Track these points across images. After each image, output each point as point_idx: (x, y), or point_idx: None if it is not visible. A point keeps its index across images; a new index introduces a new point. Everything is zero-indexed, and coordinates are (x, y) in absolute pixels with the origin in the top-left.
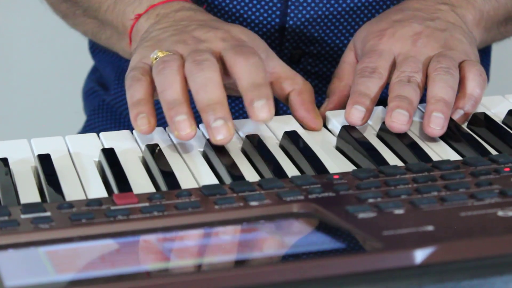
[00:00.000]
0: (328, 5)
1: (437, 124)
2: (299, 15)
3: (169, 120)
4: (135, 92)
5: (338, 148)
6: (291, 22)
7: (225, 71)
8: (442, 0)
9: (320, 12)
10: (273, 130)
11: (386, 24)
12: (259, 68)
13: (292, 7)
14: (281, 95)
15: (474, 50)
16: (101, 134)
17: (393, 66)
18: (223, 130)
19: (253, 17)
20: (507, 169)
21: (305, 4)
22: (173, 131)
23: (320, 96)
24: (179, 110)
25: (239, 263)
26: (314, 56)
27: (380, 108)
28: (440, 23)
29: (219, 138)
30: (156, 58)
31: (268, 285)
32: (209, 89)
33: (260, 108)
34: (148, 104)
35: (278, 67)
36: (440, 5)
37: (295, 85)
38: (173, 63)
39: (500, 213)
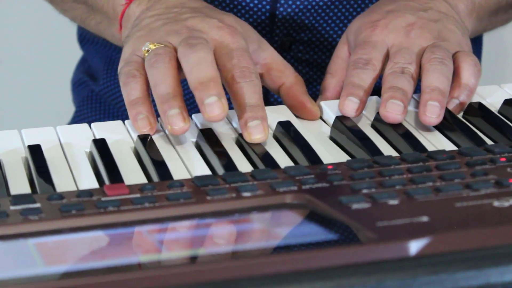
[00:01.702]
0: None
1: (433, 113)
2: (290, 2)
3: (162, 114)
4: (131, 90)
5: (332, 138)
6: (281, 9)
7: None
8: None
9: (309, 7)
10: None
11: (378, 15)
12: (255, 88)
13: None
14: (272, 87)
15: (467, 40)
16: (92, 124)
17: (387, 58)
18: (216, 107)
19: (243, 3)
20: (503, 159)
21: None
22: (166, 125)
23: (311, 84)
24: (172, 104)
25: (231, 255)
26: (305, 44)
27: (375, 98)
28: (432, 14)
29: (212, 114)
30: (148, 51)
31: (261, 277)
32: (202, 68)
33: (254, 128)
34: (146, 102)
35: (269, 58)
36: None
37: (285, 78)
38: (165, 56)
39: (496, 203)
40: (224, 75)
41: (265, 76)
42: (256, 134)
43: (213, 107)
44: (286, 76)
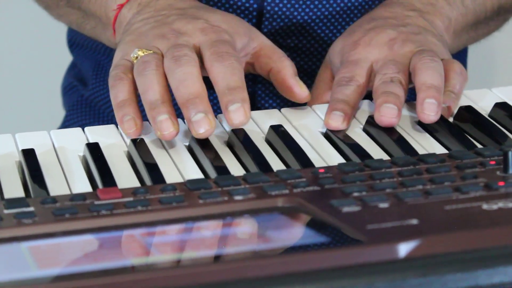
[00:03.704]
0: None
1: (431, 110)
2: (276, 8)
3: (151, 120)
4: (118, 92)
5: (324, 142)
6: (267, 16)
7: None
8: (410, 7)
9: (297, 5)
10: (259, 124)
11: (359, 34)
12: (234, 70)
13: (268, 4)
14: (262, 73)
15: (447, 52)
16: (85, 128)
17: (372, 74)
18: (204, 123)
19: (231, 2)
20: (493, 162)
21: (280, 5)
22: (155, 131)
23: None
24: (160, 110)
25: (221, 258)
26: (291, 50)
27: (366, 101)
28: (412, 28)
29: (200, 131)
30: (136, 57)
31: (252, 280)
32: (188, 84)
33: (235, 111)
34: (133, 104)
35: (259, 46)
36: (409, 11)
37: (273, 63)
38: (153, 63)
39: (485, 206)
40: (205, 64)
41: (255, 64)
42: (237, 118)
43: (200, 123)
44: (274, 61)
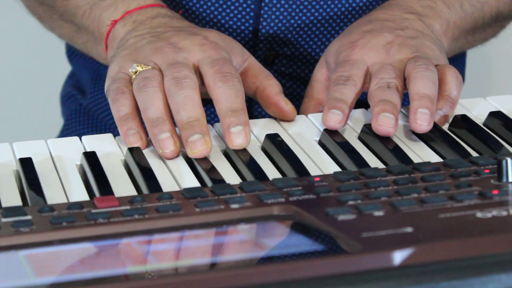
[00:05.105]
0: (301, 7)
1: (424, 120)
2: (273, 16)
3: (152, 138)
4: (121, 106)
5: (319, 150)
6: (264, 24)
7: (202, 82)
8: (409, 10)
9: (293, 14)
10: (255, 132)
11: (357, 36)
12: (237, 92)
13: (266, 8)
14: (248, 92)
15: (444, 57)
16: (83, 137)
17: (367, 76)
18: (199, 144)
19: (227, 18)
20: (487, 171)
21: (278, 6)
22: (157, 149)
23: (295, 97)
24: (162, 128)
25: (219, 266)
26: (288, 58)
27: (361, 110)
28: (409, 32)
29: (195, 150)
30: (136, 72)
31: (248, 287)
32: (188, 108)
33: (237, 134)
34: (137, 118)
35: (248, 66)
36: (407, 14)
37: (259, 82)
38: (154, 81)
39: (479, 214)
40: (206, 82)
41: (243, 83)
42: (238, 140)
43: (196, 144)
44: (260, 80)
